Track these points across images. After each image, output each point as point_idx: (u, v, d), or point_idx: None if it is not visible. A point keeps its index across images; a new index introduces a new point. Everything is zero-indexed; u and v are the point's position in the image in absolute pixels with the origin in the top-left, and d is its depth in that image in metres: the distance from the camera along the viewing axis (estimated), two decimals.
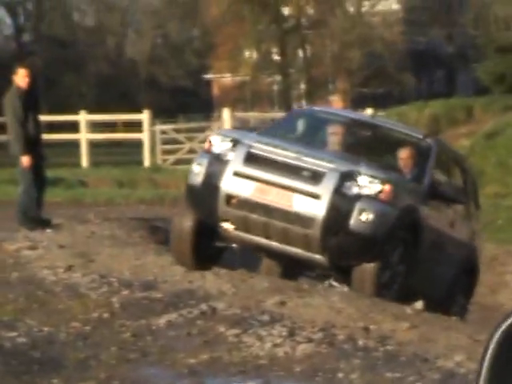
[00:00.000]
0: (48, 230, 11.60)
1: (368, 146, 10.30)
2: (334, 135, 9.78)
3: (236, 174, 8.70)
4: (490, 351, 1.21)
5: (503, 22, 36.91)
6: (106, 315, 7.76)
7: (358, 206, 8.42)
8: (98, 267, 9.56)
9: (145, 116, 25.51)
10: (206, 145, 9.23)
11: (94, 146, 26.08)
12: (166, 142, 26.68)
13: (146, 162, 25.08)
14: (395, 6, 48.08)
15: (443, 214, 9.64)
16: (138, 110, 26.91)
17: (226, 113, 26.23)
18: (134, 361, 6.64)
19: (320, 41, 46.39)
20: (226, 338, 7.00)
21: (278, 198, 8.61)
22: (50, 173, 13.63)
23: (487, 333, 1.26)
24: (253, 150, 8.77)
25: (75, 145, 26.18)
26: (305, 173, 8.62)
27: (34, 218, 11.79)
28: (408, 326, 7.25)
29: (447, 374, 6.10)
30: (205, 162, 8.91)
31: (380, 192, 8.49)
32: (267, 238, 8.68)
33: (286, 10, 46.27)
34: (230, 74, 47.43)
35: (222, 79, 49.72)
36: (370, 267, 8.45)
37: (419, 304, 9.02)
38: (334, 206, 8.45)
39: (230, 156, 8.76)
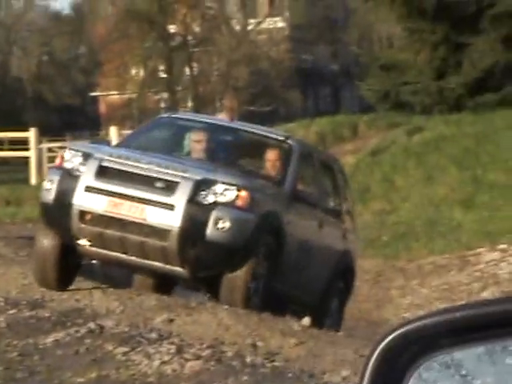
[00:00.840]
0: None
1: (231, 151, 10.05)
2: (196, 142, 9.49)
3: (88, 188, 8.31)
4: (369, 368, 1.19)
5: (386, 40, 37.82)
6: None
7: (213, 214, 8.11)
8: None
9: (31, 134, 24.82)
10: (58, 160, 8.90)
11: None
12: (52, 160, 26.03)
13: (33, 180, 23.96)
14: (281, 24, 48.95)
15: (309, 217, 9.40)
16: (25, 129, 26.22)
17: (113, 130, 25.79)
18: (21, 380, 6.51)
19: (207, 58, 46.62)
20: (114, 356, 6.85)
21: (131, 212, 8.24)
22: None
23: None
24: (104, 163, 8.39)
25: None
26: (158, 183, 8.29)
27: None
28: (295, 342, 7.20)
29: None
30: (56, 178, 8.56)
31: (236, 199, 8.19)
32: (125, 252, 8.32)
33: (172, 28, 46.44)
34: (116, 91, 46.84)
35: (109, 97, 48.93)
36: (238, 277, 8.18)
37: (306, 320, 8.80)
38: (189, 215, 8.13)
39: (82, 170, 8.41)
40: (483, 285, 12.73)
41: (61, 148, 23.46)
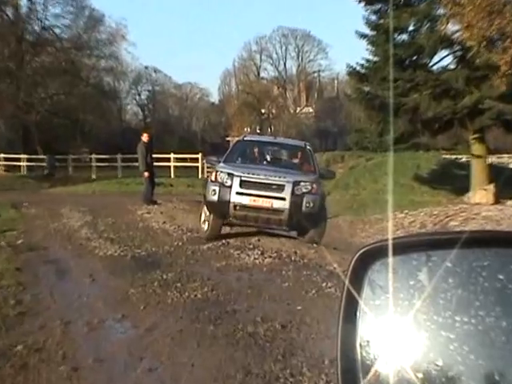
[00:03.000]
0: (155, 206, 22.68)
1: (281, 157, 17.27)
2: (259, 154, 16.82)
3: (237, 193, 14.27)
4: (350, 266, 1.87)
5: (358, 118, 60.24)
6: (180, 243, 14.84)
7: (304, 199, 14.29)
8: (177, 222, 18.51)
9: (199, 155, 44.38)
10: (213, 177, 14.66)
11: None
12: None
13: (199, 176, 44.28)
14: (311, 110, 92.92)
15: (321, 182, 15.47)
16: (196, 152, 47.66)
17: None
18: (192, 264, 12.30)
19: (277, 123, 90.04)
20: (233, 255, 13.04)
21: (263, 203, 14.26)
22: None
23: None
24: (243, 178, 14.30)
25: None
26: (274, 187, 14.26)
27: (150, 200, 23.22)
28: (313, 251, 13.51)
29: (330, 272, 11.57)
30: (216, 188, 14.39)
31: (312, 189, 14.45)
32: (257, 225, 14.94)
33: (263, 110, 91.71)
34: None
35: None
36: (320, 228, 14.96)
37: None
38: (292, 202, 14.22)
39: (229, 183, 14.29)
40: (399, 227, 22.09)
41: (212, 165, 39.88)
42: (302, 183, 14.50)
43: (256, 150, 17.08)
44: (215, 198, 14.45)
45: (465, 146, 35.16)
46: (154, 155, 25.10)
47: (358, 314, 1.83)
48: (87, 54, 63.76)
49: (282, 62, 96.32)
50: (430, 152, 43.54)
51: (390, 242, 1.85)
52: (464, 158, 53.58)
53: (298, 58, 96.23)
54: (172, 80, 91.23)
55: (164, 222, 18.60)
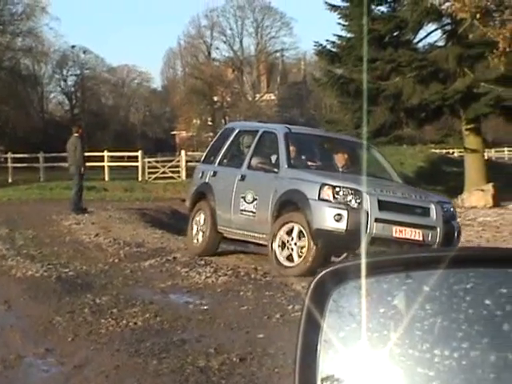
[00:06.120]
0: (86, 215, 22.69)
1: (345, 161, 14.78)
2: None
3: (377, 219, 12.34)
4: (309, 293, 1.87)
5: (329, 107, 67.02)
6: (116, 260, 14.90)
7: (456, 228, 13.11)
8: (112, 234, 18.49)
9: (139, 153, 48.60)
10: (330, 195, 12.52)
11: None
12: (150, 168, 47.42)
13: (139, 178, 44.81)
14: (273, 97, 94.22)
15: None
16: (136, 150, 48.43)
17: (182, 152, 53.31)
18: (131, 285, 12.43)
19: (233, 115, 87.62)
20: (180, 273, 13.20)
21: (412, 234, 12.43)
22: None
23: None
24: (380, 198, 12.49)
25: None
26: (418, 210, 12.78)
27: (80, 208, 23.36)
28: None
29: (297, 292, 11.26)
30: (344, 212, 12.30)
31: (454, 212, 13.63)
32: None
33: (215, 98, 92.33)
34: (185, 131, 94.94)
35: (180, 134, 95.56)
36: None
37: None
38: (445, 232, 12.64)
39: (356, 204, 12.38)
40: None
41: (157, 162, 48.07)
42: (446, 205, 13.32)
43: (316, 149, 15.43)
44: (341, 225, 12.36)
45: (457, 138, 35.52)
46: (85, 153, 25.03)
47: (318, 346, 1.82)
48: None
49: (237, 40, 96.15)
50: (416, 146, 44.08)
51: (362, 262, 1.86)
52: (456, 153, 54.40)
53: (256, 34, 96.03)
54: (105, 62, 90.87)
55: (97, 235, 18.59)
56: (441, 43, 32.47)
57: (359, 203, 12.34)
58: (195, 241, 15.29)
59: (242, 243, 15.24)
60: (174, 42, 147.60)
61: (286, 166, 13.61)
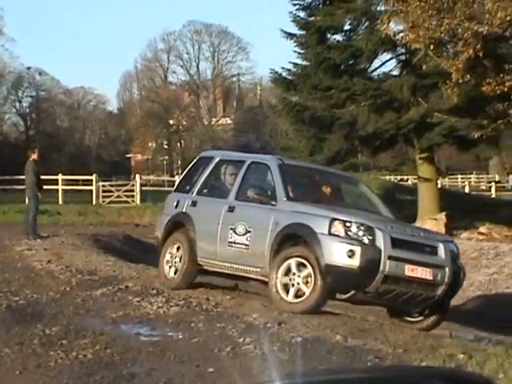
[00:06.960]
0: (38, 240, 22.47)
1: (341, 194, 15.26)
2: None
3: (390, 257, 12.04)
4: None
5: (284, 133, 67.57)
6: (68, 288, 14.81)
7: (461, 269, 13.11)
8: (64, 261, 18.40)
9: (93, 177, 47.71)
10: (341, 231, 12.09)
11: None
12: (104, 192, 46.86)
13: (94, 202, 44.50)
14: (229, 121, 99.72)
15: None
16: (90, 173, 47.98)
17: (137, 176, 47.32)
18: (82, 315, 12.38)
19: (189, 138, 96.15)
20: (132, 303, 13.19)
21: (424, 274, 12.27)
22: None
23: None
24: (393, 235, 12.18)
25: None
26: (428, 248, 12.60)
27: (36, 232, 23.30)
28: (229, 298, 13.60)
29: (248, 324, 11.40)
30: (357, 249, 11.89)
31: (458, 252, 13.40)
32: (393, 303, 12.89)
33: (171, 121, 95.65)
34: (140, 154, 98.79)
35: (136, 157, 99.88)
36: (445, 313, 13.71)
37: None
38: (453, 272, 12.59)
39: (367, 240, 12.00)
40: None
41: (112, 186, 48.09)
42: (450, 244, 13.12)
43: (311, 182, 15.13)
44: (354, 262, 11.97)
45: (411, 166, 35.78)
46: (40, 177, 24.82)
47: None
48: None
49: (194, 64, 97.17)
50: (371, 173, 44.28)
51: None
52: (411, 180, 54.80)
53: (213, 58, 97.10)
54: (60, 84, 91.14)
55: (49, 261, 18.32)
56: (395, 72, 32.77)
57: (371, 239, 12.04)
58: (171, 273, 14.65)
59: (227, 276, 14.45)
60: (130, 64, 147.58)
61: (285, 199, 13.21)
